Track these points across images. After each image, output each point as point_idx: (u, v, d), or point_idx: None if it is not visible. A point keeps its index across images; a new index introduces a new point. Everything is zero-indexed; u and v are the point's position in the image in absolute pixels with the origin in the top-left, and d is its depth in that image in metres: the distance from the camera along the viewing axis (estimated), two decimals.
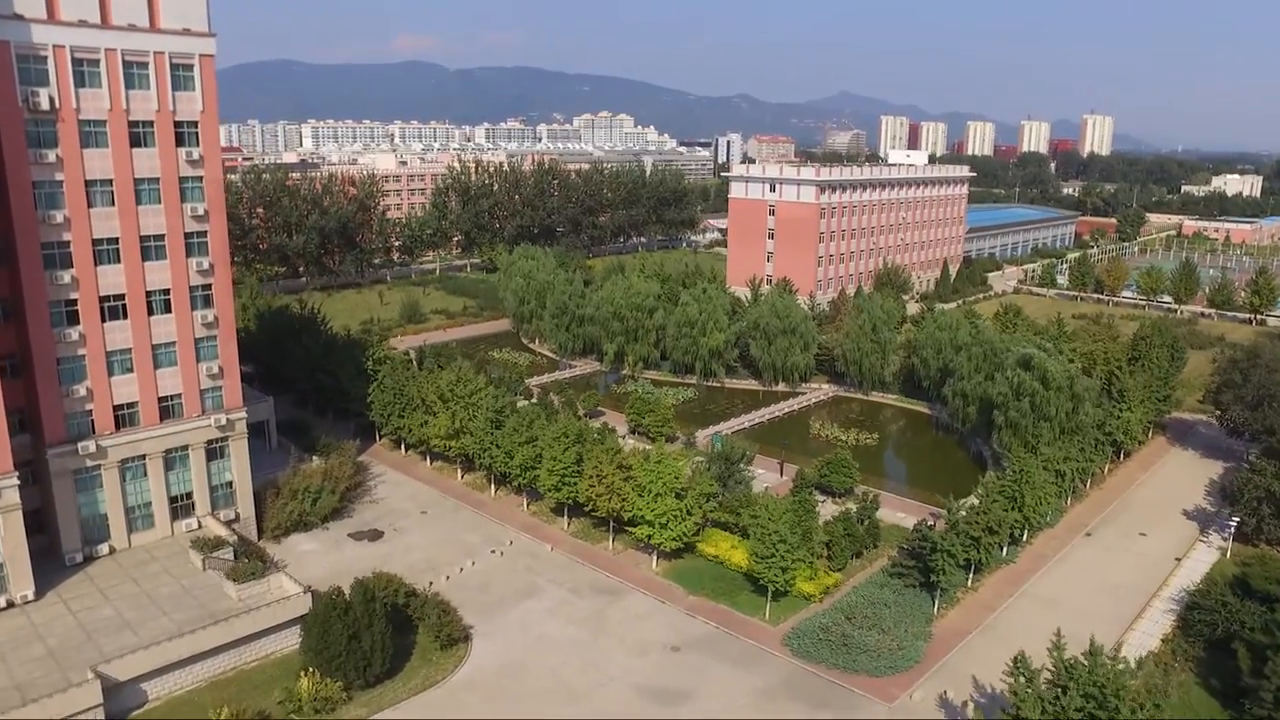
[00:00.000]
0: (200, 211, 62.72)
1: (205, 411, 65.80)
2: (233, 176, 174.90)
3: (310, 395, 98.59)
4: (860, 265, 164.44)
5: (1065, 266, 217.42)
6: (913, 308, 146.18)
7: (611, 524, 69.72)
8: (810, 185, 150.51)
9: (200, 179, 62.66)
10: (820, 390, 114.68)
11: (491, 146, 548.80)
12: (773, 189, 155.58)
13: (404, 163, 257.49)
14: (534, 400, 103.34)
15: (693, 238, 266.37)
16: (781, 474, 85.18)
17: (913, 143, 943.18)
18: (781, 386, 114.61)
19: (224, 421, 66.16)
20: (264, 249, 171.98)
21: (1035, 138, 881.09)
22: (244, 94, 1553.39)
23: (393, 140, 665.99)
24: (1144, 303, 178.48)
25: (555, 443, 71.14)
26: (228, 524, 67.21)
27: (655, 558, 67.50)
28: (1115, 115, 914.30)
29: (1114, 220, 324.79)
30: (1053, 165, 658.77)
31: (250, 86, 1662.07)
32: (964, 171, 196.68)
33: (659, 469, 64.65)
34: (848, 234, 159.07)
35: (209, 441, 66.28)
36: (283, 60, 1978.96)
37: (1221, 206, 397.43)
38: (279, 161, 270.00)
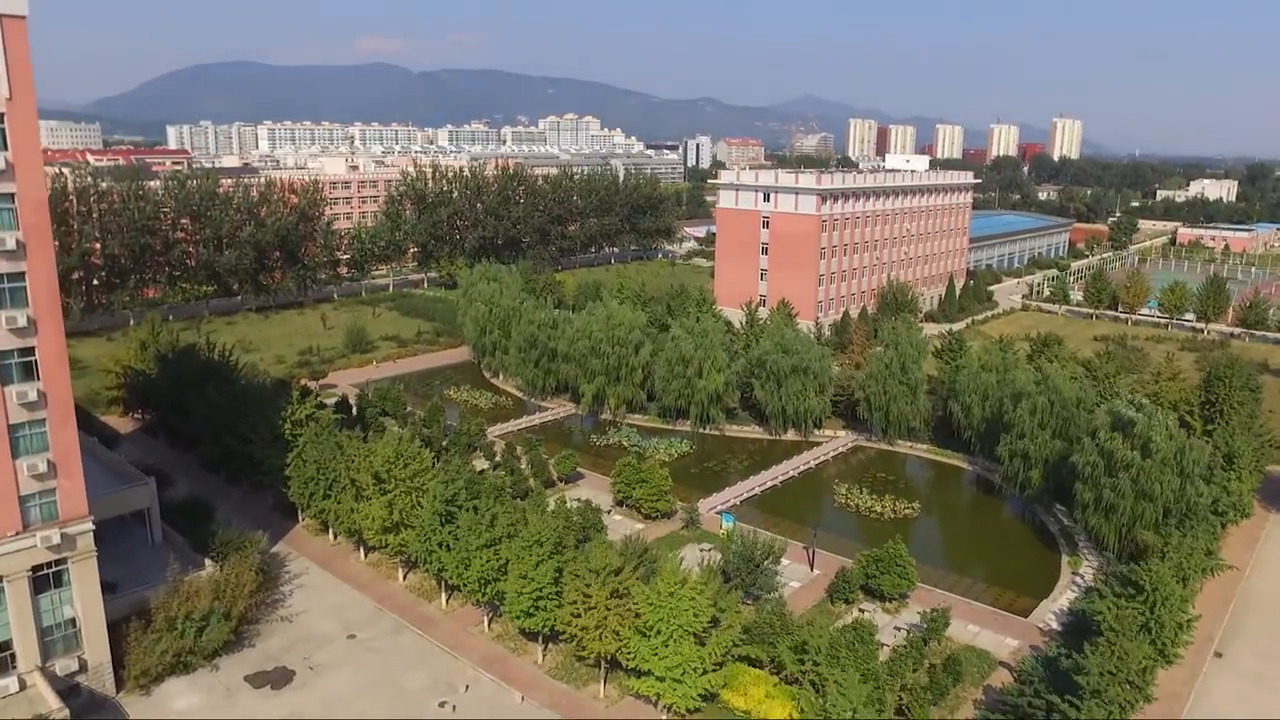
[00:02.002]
0: (11, 244, 43.60)
1: (29, 527, 46.64)
2: (154, 183, 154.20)
3: (220, 460, 79.42)
4: (863, 283, 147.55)
5: (1072, 279, 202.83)
6: (929, 330, 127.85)
7: (603, 660, 51.42)
8: (810, 194, 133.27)
9: (10, 197, 43.55)
10: (837, 439, 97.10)
11: (455, 149, 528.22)
12: (767, 198, 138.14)
13: (355, 168, 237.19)
14: (496, 461, 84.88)
15: (668, 248, 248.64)
16: (812, 567, 67.36)
17: (881, 147, 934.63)
18: (791, 434, 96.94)
19: (58, 539, 47.03)
20: (191, 266, 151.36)
21: (1004, 141, 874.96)
22: (202, 95, 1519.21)
23: (352, 143, 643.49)
24: (1166, 321, 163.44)
25: (526, 553, 52.70)
26: (68, 679, 48.09)
27: (666, 713, 49.28)
28: (1084, 119, 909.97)
29: (1106, 227, 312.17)
30: (1025, 169, 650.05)
31: (208, 88, 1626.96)
32: (969, 178, 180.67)
33: (674, 605, 46.45)
34: (850, 248, 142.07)
35: (36, 568, 47.13)
36: (242, 61, 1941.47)
37: (1206, 212, 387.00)
38: (219, 165, 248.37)
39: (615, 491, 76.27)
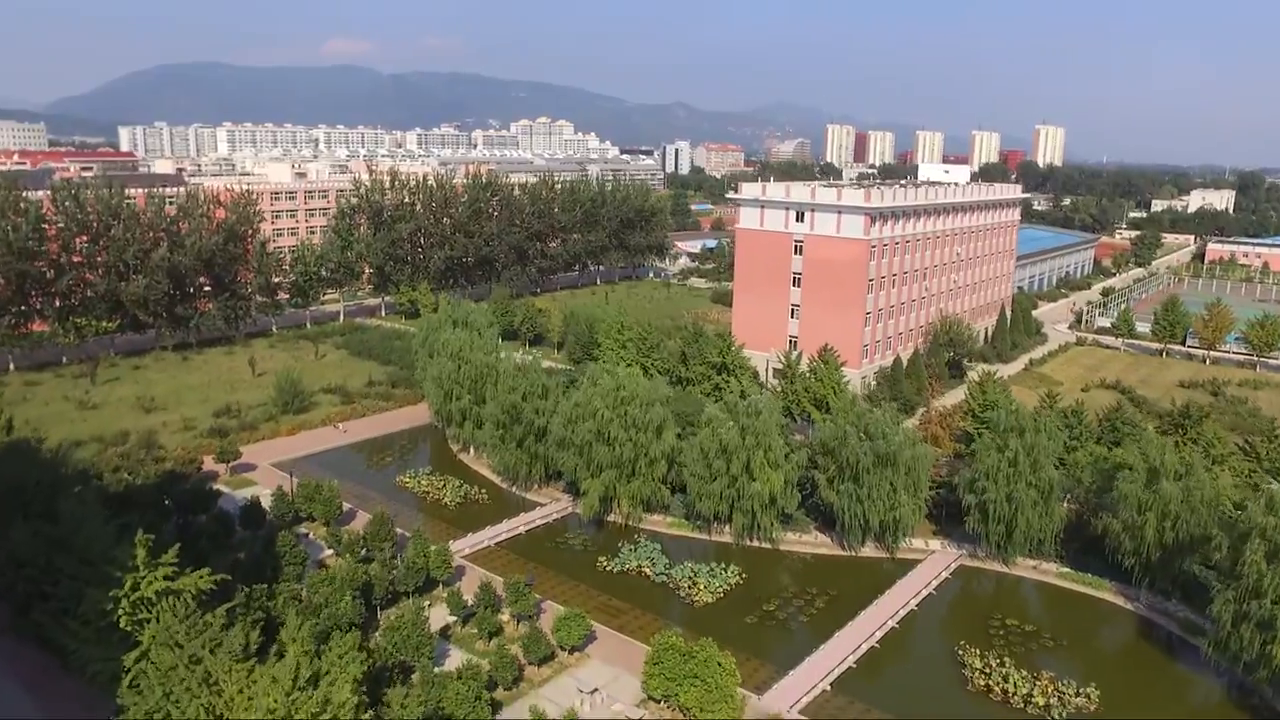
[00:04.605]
0: None
1: None
2: (37, 194, 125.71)
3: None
4: (911, 320, 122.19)
5: (1123, 306, 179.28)
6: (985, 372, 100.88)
7: None
8: (857, 214, 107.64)
9: None
10: (932, 555, 71.25)
11: (424, 153, 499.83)
12: (800, 218, 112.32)
13: (302, 174, 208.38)
14: (468, 610, 58.38)
15: (660, 265, 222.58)
16: None
17: (859, 153, 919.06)
18: (869, 548, 71.11)
19: None
20: (89, 296, 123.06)
21: (986, 149, 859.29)
22: (167, 95, 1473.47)
23: (316, 145, 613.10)
24: (1253, 360, 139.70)
25: None
26: None
27: None
28: (1066, 126, 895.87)
29: (1128, 242, 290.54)
30: (1013, 177, 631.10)
31: (174, 88, 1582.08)
32: (1017, 192, 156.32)
33: None
34: (900, 279, 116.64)
35: None
36: (209, 62, 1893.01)
37: (1217, 224, 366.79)
38: (151, 170, 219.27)
39: (650, 686, 49.66)
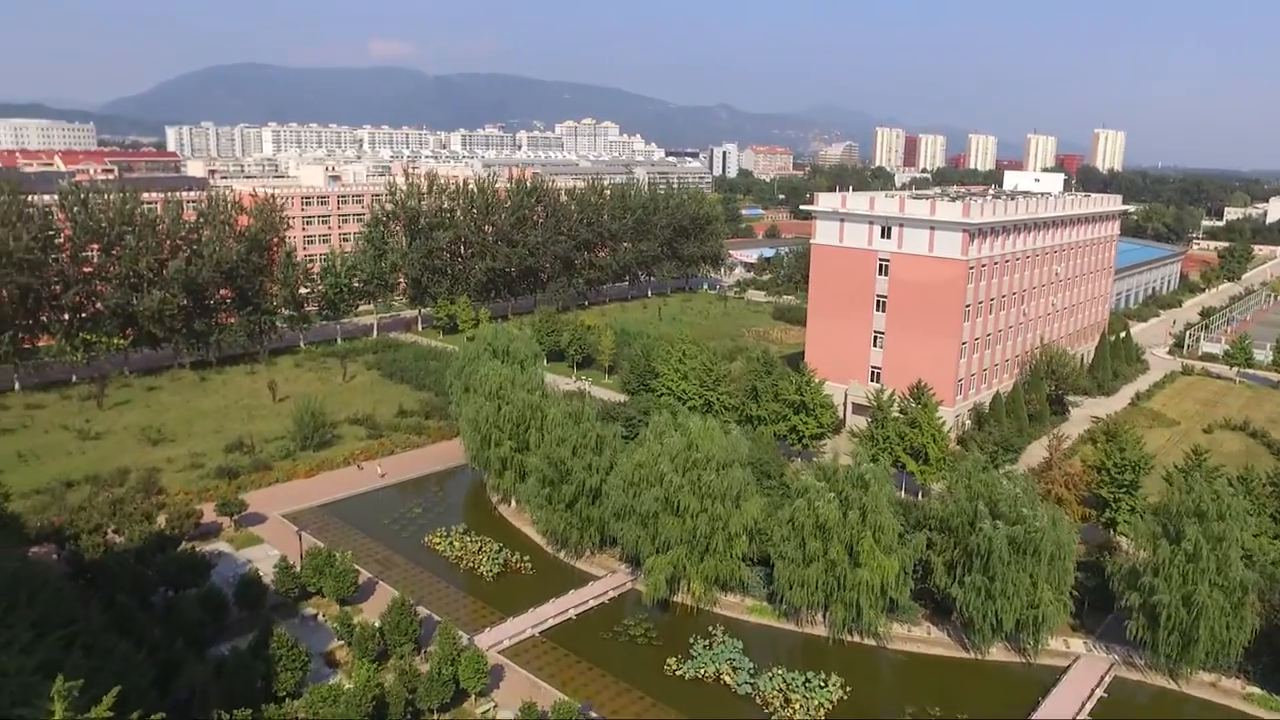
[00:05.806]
0: None
1: None
2: (46, 197, 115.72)
3: None
4: (1008, 349, 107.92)
5: (1228, 328, 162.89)
6: (1089, 410, 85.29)
7: None
8: (954, 230, 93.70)
9: None
10: (1077, 660, 57.32)
11: (468, 154, 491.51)
12: (885, 233, 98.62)
13: (336, 177, 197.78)
14: None
15: (714, 276, 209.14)
16: None
17: (909, 157, 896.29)
18: (998, 650, 57.52)
19: None
20: (99, 310, 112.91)
21: (1042, 153, 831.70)
22: (216, 97, 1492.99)
23: (360, 146, 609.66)
24: None
25: None
26: None
27: None
28: (1127, 130, 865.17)
29: (1213, 254, 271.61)
30: (1074, 183, 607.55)
31: (223, 89, 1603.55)
32: (1117, 204, 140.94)
33: None
34: (998, 302, 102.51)
35: None
36: (255, 64, 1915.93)
37: None
38: (184, 173, 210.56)
39: None
